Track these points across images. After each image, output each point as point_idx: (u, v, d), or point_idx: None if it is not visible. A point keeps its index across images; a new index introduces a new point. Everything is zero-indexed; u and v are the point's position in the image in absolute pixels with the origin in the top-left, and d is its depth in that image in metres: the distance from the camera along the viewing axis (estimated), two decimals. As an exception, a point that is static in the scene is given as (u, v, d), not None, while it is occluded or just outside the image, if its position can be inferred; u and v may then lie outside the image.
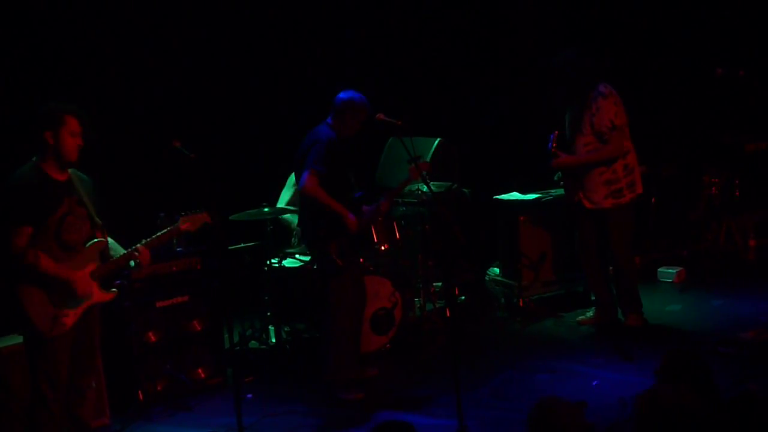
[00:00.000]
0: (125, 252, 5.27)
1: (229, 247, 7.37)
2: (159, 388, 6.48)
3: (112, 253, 5.27)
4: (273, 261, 7.36)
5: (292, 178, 7.44)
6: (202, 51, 8.55)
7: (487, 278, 8.50)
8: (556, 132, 7.14)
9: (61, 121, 5.01)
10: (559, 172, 7.33)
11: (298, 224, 6.78)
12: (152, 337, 6.48)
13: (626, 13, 9.80)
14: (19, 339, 5.42)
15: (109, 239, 5.31)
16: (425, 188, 6.09)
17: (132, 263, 5.33)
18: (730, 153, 8.93)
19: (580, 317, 7.61)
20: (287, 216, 7.69)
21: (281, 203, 7.69)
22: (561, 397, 3.64)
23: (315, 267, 6.73)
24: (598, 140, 7.01)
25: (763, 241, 8.90)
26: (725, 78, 7.81)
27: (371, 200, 6.54)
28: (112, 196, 7.72)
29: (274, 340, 7.46)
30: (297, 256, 7.48)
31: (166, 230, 5.38)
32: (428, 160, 7.68)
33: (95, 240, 5.17)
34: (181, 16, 8.39)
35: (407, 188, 7.58)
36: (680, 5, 9.79)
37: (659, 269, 8.62)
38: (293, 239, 7.72)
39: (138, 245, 5.28)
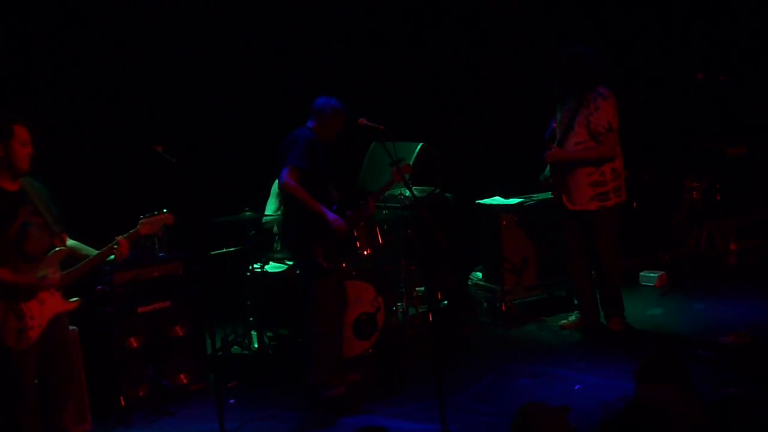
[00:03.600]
0: (100, 251, 5.15)
1: (211, 252, 7.36)
2: (141, 393, 6.45)
3: (84, 253, 5.18)
4: (255, 266, 7.35)
5: (276, 186, 7.42)
6: (185, 55, 8.53)
7: (469, 283, 8.50)
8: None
9: (11, 132, 4.89)
10: (546, 171, 7.33)
11: (281, 229, 6.76)
12: (134, 343, 6.45)
13: (606, 17, 9.84)
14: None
15: (74, 242, 5.21)
16: (408, 193, 6.10)
17: (112, 256, 5.20)
18: (711, 157, 8.98)
19: (563, 321, 7.63)
20: (269, 220, 7.67)
21: (268, 211, 7.64)
22: (544, 403, 3.65)
23: (298, 271, 6.71)
24: (591, 140, 7.02)
25: (744, 245, 8.94)
26: (706, 82, 7.85)
27: (353, 205, 6.53)
28: (95, 200, 7.79)
29: (256, 346, 7.45)
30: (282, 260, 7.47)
31: (127, 234, 5.23)
32: (411, 164, 7.67)
33: (55, 249, 5.06)
34: (166, 20, 8.38)
35: (389, 192, 7.59)
36: (661, 10, 9.84)
37: (641, 273, 8.67)
38: (275, 244, 7.70)
39: (117, 238, 5.17)
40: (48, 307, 5.03)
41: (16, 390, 5.00)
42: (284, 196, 6.37)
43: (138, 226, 5.25)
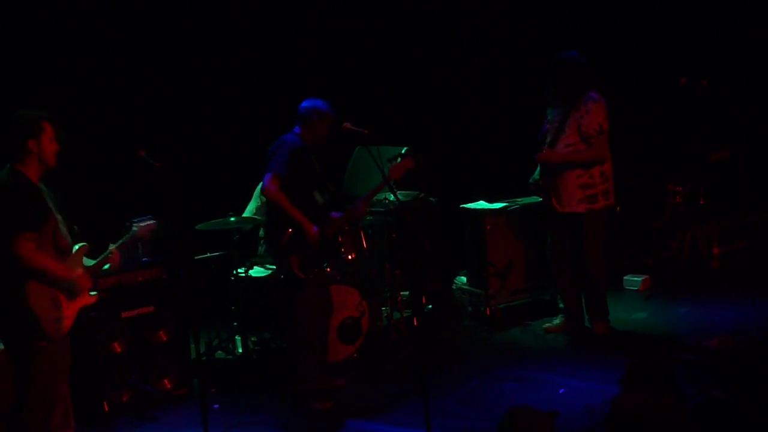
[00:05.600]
0: (99, 258, 5.28)
1: (195, 257, 7.33)
2: (124, 399, 6.42)
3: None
4: (239, 270, 7.32)
5: (259, 188, 7.41)
6: (170, 59, 8.51)
7: (454, 287, 8.51)
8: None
9: (42, 128, 5.05)
10: (535, 174, 7.33)
11: (264, 233, 6.74)
12: (117, 348, 6.43)
13: (590, 22, 9.87)
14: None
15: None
16: (393, 197, 6.08)
17: (107, 266, 5.33)
18: (695, 162, 9.01)
19: (547, 325, 7.64)
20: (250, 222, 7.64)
21: (247, 213, 7.64)
22: (532, 407, 3.64)
23: (282, 276, 6.69)
24: (581, 142, 7.05)
25: (727, 249, 8.98)
26: (689, 87, 7.88)
27: (338, 209, 6.50)
28: (78, 204, 7.75)
29: (240, 350, 7.43)
30: (266, 264, 7.46)
31: (124, 238, 5.35)
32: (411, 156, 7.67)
33: (81, 244, 5.21)
34: (150, 24, 8.36)
35: (375, 197, 7.57)
36: (644, 14, 9.87)
37: (625, 277, 8.68)
38: (259, 248, 7.69)
39: (111, 247, 5.29)
40: (77, 299, 5.15)
41: (48, 383, 5.08)
42: (267, 203, 6.34)
43: (136, 230, 5.36)
